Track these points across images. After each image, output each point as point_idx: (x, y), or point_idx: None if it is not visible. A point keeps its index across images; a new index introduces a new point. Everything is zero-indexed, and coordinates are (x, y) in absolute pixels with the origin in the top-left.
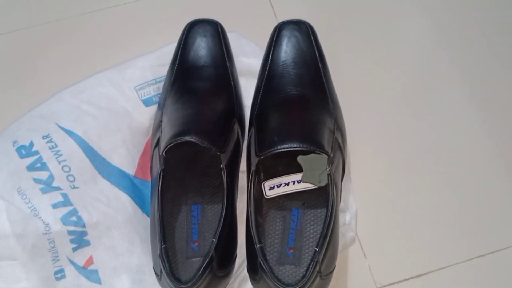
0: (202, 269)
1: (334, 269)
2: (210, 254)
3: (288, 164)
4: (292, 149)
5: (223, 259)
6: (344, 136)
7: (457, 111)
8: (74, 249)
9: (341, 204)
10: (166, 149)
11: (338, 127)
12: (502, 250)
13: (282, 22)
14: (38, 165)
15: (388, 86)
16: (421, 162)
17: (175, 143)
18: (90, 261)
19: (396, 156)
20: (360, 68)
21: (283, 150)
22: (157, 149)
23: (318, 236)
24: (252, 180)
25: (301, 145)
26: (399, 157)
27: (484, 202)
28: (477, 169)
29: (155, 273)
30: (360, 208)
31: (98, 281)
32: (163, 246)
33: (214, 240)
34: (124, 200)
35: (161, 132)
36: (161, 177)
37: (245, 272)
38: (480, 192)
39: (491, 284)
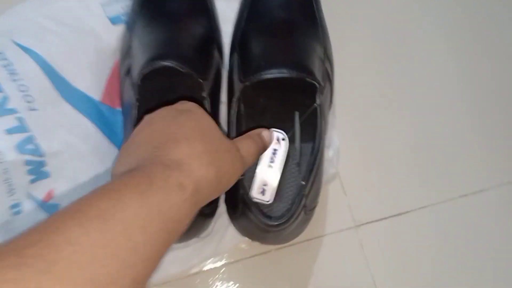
0: None
1: (317, 204)
2: None
3: (270, 96)
4: (280, 75)
5: None
6: (333, 67)
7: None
8: (33, 181)
9: None
10: (141, 75)
11: (327, 57)
12: (484, 191)
13: None
14: None
15: (380, 18)
16: (409, 98)
17: (152, 68)
18: (50, 194)
19: (383, 91)
20: None
21: (270, 76)
22: (129, 77)
23: (298, 171)
24: (235, 109)
25: (291, 72)
26: (385, 93)
27: (468, 141)
28: (464, 106)
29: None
30: (342, 144)
31: None
32: None
33: None
34: (89, 127)
35: (131, 58)
36: (136, 108)
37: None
38: (466, 130)
39: (473, 225)
